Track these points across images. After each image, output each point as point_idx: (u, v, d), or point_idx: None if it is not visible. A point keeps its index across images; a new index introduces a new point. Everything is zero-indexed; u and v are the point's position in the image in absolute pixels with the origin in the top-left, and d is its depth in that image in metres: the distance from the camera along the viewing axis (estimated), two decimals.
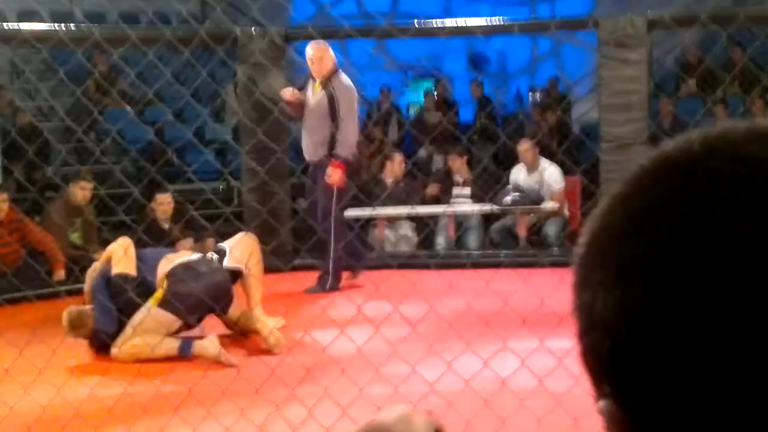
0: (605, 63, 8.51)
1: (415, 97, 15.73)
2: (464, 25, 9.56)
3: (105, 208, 8.48)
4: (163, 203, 9.10)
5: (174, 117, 12.21)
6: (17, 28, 8.90)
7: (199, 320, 6.09)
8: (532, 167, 9.53)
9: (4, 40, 8.27)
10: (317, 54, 7.75)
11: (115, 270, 6.08)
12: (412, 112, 15.10)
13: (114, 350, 5.79)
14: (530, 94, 15.36)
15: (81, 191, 9.13)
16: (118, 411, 4.39)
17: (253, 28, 9.07)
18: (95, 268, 6.38)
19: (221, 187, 11.29)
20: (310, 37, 8.24)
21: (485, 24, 9.81)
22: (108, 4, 11.61)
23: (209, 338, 5.73)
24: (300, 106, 7.90)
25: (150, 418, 4.31)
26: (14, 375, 4.45)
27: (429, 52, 15.43)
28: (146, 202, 8.80)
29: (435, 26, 9.46)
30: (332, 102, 7.69)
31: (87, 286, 6.32)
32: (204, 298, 5.74)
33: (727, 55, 11.46)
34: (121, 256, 6.10)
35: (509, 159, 9.95)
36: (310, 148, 7.89)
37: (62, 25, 8.40)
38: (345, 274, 8.04)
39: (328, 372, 4.81)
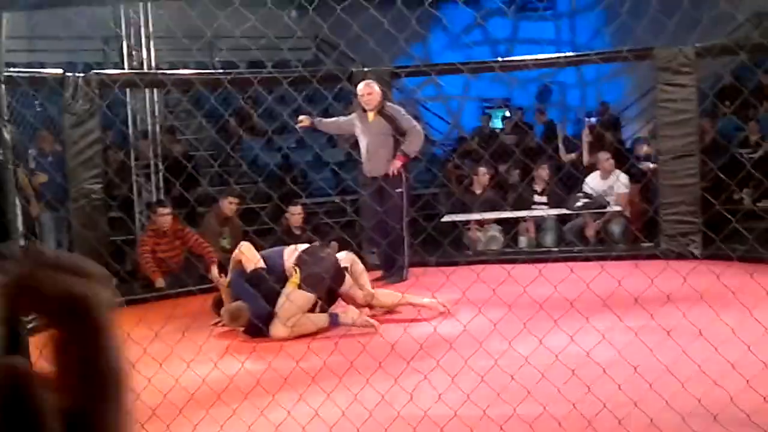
0: (661, 87, 8.34)
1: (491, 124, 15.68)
2: (542, 59, 9.62)
3: (248, 218, 8.51)
4: (295, 213, 9.18)
5: (296, 144, 12.31)
6: (168, 73, 9.22)
7: (330, 297, 6.32)
8: (606, 174, 9.36)
9: (158, 85, 8.57)
10: (367, 90, 8.01)
11: (250, 267, 6.23)
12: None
13: (274, 330, 5.91)
14: (586, 118, 15.17)
15: (229, 205, 9.21)
16: (265, 383, 4.37)
17: (364, 68, 9.10)
18: (225, 278, 6.57)
19: (338, 200, 11.27)
20: (413, 74, 8.36)
21: (563, 57, 9.89)
22: (240, 54, 11.83)
23: (350, 309, 6.11)
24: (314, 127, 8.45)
25: (292, 389, 4.28)
26: (180, 353, 4.47)
27: (502, 87, 15.46)
28: (282, 212, 8.99)
29: (517, 61, 9.59)
30: (392, 121, 7.96)
31: (223, 289, 6.48)
32: (327, 276, 6.08)
33: (756, 79, 11.09)
34: (249, 256, 6.29)
35: (576, 172, 9.80)
36: (375, 165, 8.03)
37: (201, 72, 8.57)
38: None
39: (438, 348, 4.75)
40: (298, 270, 6.11)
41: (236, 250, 6.51)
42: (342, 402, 3.94)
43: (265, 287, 6.09)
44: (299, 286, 6.01)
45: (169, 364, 4.42)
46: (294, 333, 5.88)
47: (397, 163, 7.91)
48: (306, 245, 6.46)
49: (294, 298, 5.96)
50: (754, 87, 10.91)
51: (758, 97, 10.91)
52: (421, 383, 3.98)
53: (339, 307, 6.29)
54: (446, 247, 7.57)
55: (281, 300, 5.98)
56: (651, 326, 4.09)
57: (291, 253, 6.31)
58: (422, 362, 4.41)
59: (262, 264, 6.27)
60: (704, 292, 4.32)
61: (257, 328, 5.96)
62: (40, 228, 8.79)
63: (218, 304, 6.66)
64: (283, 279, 6.17)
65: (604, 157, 9.49)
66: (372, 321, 6.01)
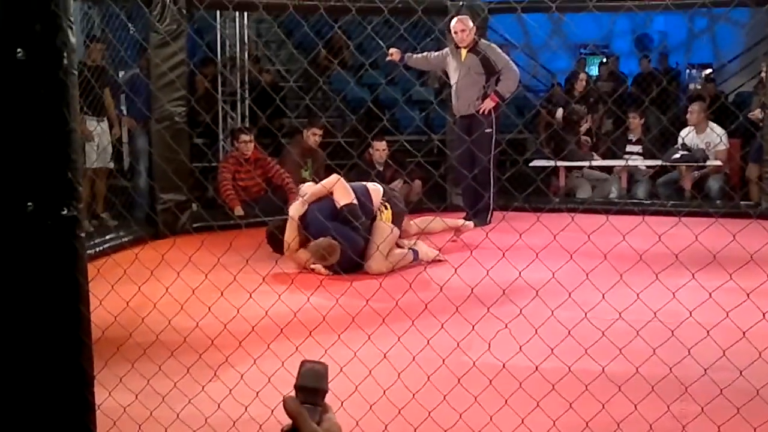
0: None
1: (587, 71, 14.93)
2: (640, 2, 8.82)
3: (333, 152, 8.30)
4: (379, 149, 8.95)
5: (387, 81, 11.87)
6: None
7: None
8: (700, 129, 8.68)
9: (247, 7, 8.29)
10: (460, 26, 7.56)
11: (344, 201, 5.99)
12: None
13: (375, 266, 5.87)
14: (687, 70, 14.48)
15: (313, 136, 8.98)
16: (331, 320, 4.00)
17: (461, 2, 8.58)
18: (299, 206, 6.11)
19: (424, 139, 10.87)
20: (509, 10, 7.96)
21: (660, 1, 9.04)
22: None
23: (420, 243, 6.28)
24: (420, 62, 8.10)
25: (360, 328, 3.89)
26: (245, 284, 4.00)
27: (599, 33, 14.74)
28: (366, 148, 8.76)
29: (612, 3, 8.78)
30: (486, 61, 7.52)
31: (291, 222, 6.04)
32: (406, 213, 6.44)
33: None
34: (342, 190, 6.06)
35: (677, 122, 9.13)
36: (464, 103, 7.65)
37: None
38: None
39: (522, 295, 4.31)
40: (388, 206, 6.14)
41: (323, 183, 6.16)
42: (413, 346, 3.54)
43: (359, 223, 5.96)
44: (391, 221, 6.10)
45: (233, 295, 4.05)
46: (391, 267, 5.86)
47: (490, 103, 7.45)
48: (382, 185, 6.45)
49: (389, 233, 5.98)
50: None
51: None
52: (500, 332, 3.54)
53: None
54: (536, 191, 7.08)
55: (378, 234, 5.98)
56: (764, 289, 3.56)
57: (376, 191, 6.22)
58: (503, 309, 3.97)
59: (355, 200, 6.03)
60: None
61: (351, 263, 5.62)
62: (134, 150, 8.62)
63: (274, 237, 6.27)
64: (371, 215, 6.11)
65: (696, 110, 8.84)
66: (442, 255, 6.07)
